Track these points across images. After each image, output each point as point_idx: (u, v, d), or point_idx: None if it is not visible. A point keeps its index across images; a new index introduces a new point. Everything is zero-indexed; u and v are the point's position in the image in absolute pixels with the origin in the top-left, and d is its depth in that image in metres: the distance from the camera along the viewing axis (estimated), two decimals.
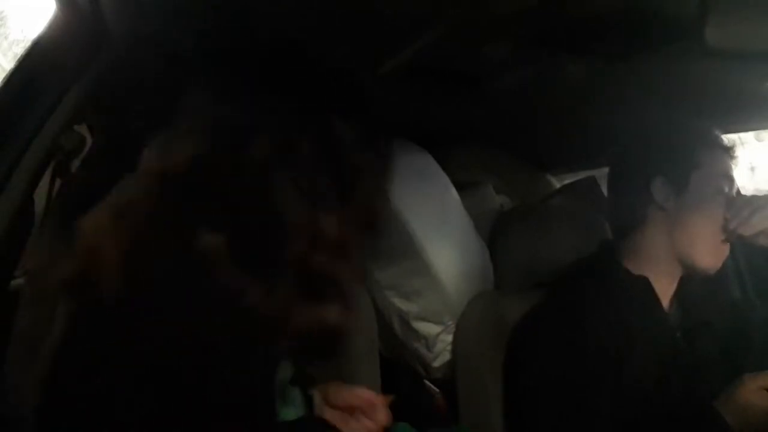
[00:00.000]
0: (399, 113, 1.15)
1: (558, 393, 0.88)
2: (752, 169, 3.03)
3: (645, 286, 0.95)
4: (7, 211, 0.80)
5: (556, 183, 1.66)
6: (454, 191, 1.26)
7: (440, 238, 1.18)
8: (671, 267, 0.96)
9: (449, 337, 1.22)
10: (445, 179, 1.25)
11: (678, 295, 0.99)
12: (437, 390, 1.36)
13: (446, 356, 1.24)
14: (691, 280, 0.98)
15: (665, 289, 0.97)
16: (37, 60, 0.81)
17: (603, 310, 0.93)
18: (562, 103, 1.13)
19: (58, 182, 0.94)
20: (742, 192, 0.98)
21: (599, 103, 1.09)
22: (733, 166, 0.94)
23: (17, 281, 1.01)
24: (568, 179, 1.62)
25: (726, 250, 0.93)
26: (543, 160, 1.65)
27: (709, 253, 0.93)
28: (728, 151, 0.95)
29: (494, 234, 1.29)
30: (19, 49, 0.84)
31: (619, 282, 0.96)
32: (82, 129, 0.94)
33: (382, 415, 0.71)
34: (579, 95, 1.06)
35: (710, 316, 0.98)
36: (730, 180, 0.93)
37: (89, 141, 0.97)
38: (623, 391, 0.88)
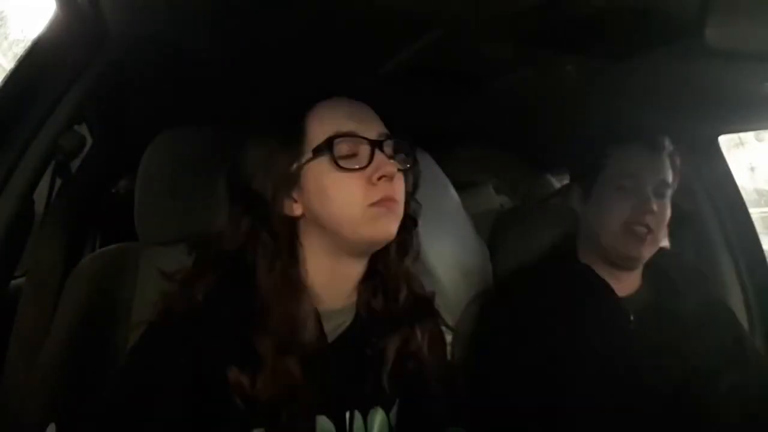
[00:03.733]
0: (399, 113, 1.14)
1: (505, 378, 0.93)
2: (752, 169, 3.03)
3: (588, 272, 1.01)
4: (7, 211, 0.79)
5: (556, 183, 1.65)
6: (453, 191, 1.25)
7: (440, 238, 1.17)
8: (610, 256, 1.00)
9: (449, 338, 1.22)
10: (444, 179, 1.25)
11: (648, 280, 1.02)
12: None
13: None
14: (666, 266, 1.03)
15: (618, 276, 1.00)
16: (37, 60, 0.80)
17: (545, 297, 0.98)
18: (561, 103, 1.13)
19: (58, 182, 0.94)
20: (742, 192, 0.99)
21: (599, 103, 1.09)
22: (647, 161, 0.97)
23: (17, 281, 1.01)
24: (568, 179, 1.62)
25: (645, 237, 0.96)
26: (543, 160, 1.65)
27: (620, 242, 0.97)
28: (644, 147, 0.98)
29: (494, 234, 1.29)
30: (19, 49, 0.84)
31: (567, 269, 1.03)
32: (82, 129, 0.94)
33: None
34: (579, 95, 1.06)
35: (680, 302, 0.99)
36: (635, 177, 0.97)
37: (89, 141, 0.97)
38: (570, 376, 0.90)
